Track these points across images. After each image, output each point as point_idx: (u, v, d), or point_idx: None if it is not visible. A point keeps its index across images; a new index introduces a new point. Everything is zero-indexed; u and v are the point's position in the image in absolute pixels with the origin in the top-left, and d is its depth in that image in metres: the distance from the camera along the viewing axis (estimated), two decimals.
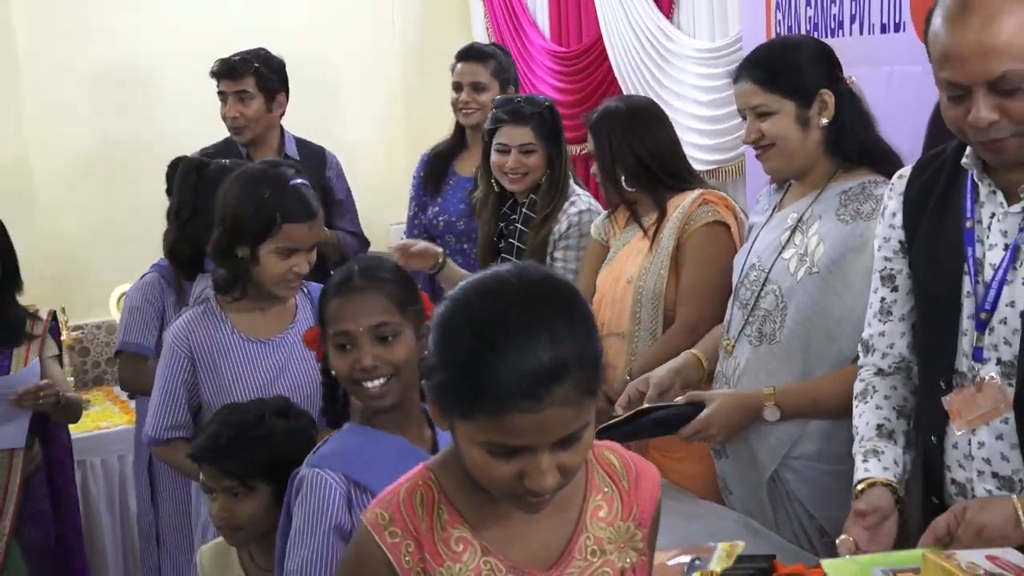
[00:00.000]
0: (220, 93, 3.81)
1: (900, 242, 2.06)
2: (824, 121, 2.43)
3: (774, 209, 2.55)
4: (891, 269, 2.07)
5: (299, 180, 2.53)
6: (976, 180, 1.91)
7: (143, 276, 3.26)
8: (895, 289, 2.07)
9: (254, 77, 3.78)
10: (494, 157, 3.33)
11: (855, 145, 2.47)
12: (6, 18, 4.68)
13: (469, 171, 3.82)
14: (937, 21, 1.79)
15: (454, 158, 3.94)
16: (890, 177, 2.19)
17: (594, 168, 3.04)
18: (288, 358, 2.58)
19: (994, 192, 1.89)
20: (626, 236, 3.02)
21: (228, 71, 3.78)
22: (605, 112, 3.02)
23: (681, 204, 2.87)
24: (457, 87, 3.89)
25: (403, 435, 1.97)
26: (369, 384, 1.95)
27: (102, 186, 4.92)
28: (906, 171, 2.09)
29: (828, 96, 2.43)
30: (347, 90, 5.46)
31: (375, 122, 5.54)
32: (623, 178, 2.92)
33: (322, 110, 5.15)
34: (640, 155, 2.91)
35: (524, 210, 3.35)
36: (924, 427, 2.02)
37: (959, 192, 1.95)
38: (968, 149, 1.92)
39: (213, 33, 4.92)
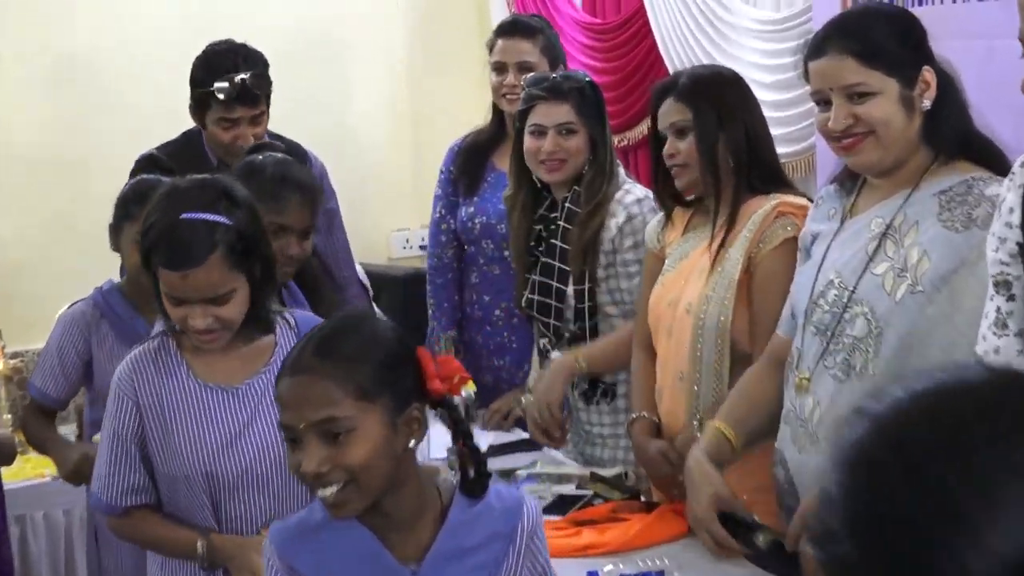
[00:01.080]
0: (224, 122, 3.66)
1: (1019, 244, 2.04)
2: (927, 104, 2.39)
3: (844, 214, 2.52)
4: (1008, 275, 2.06)
5: (201, 216, 2.31)
6: None
7: (72, 304, 3.19)
8: (1012, 298, 2.06)
9: (260, 90, 3.67)
10: (528, 142, 3.29)
11: (954, 134, 2.44)
12: None
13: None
14: None
15: (492, 150, 3.90)
16: (995, 172, 2.22)
17: (671, 147, 2.89)
18: (256, 410, 2.43)
19: None
20: (684, 247, 2.93)
21: (246, 97, 3.63)
22: (702, 75, 2.97)
23: (753, 215, 2.78)
24: (499, 68, 3.82)
25: (384, 539, 1.86)
26: (320, 493, 1.80)
27: (51, 187, 4.94)
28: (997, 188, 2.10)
29: (931, 74, 2.40)
30: (339, 73, 5.51)
31: (373, 111, 5.61)
32: (731, 159, 2.81)
33: (309, 96, 5.15)
34: (749, 132, 2.83)
35: (568, 204, 3.30)
36: None
37: None
38: None
39: (190, 19, 5.02)
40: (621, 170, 3.38)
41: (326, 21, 5.45)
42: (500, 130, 3.88)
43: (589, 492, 2.98)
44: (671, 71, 4.47)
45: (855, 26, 2.45)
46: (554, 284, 3.25)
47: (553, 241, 3.31)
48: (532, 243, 3.37)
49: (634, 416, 3.02)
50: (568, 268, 3.21)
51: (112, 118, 4.99)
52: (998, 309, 2.09)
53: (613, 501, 2.91)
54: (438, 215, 3.94)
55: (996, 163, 2.41)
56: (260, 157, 2.98)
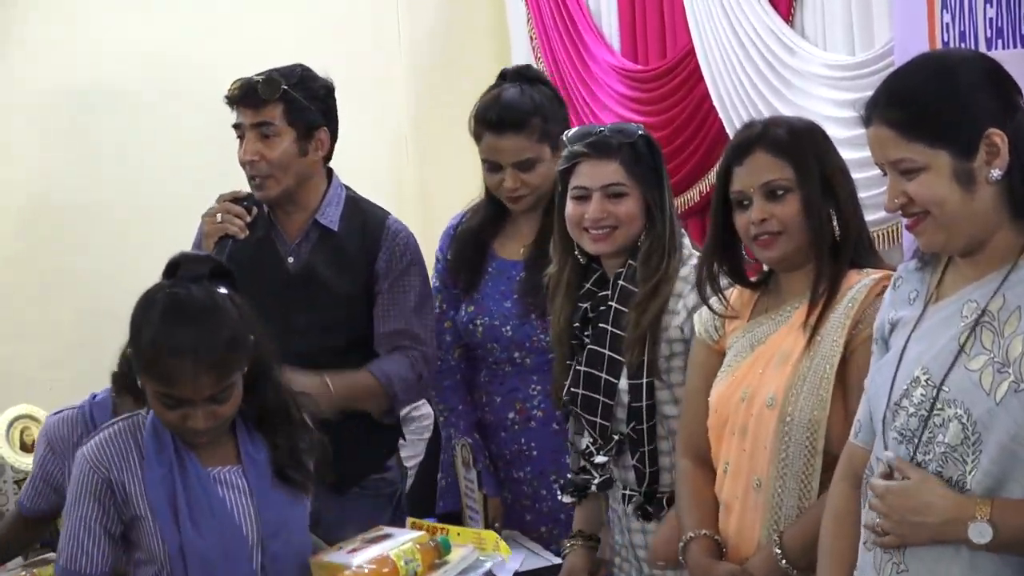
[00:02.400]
0: (236, 125, 3.72)
1: None
2: (996, 174, 2.36)
3: (928, 297, 2.49)
4: None
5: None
6: None
7: (58, 412, 3.35)
8: None
9: (283, 104, 3.67)
10: (570, 208, 3.26)
11: None
12: None
13: (515, 252, 3.80)
14: None
15: (492, 235, 3.88)
16: None
17: (760, 211, 2.86)
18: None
19: None
20: (757, 332, 2.91)
21: (246, 95, 3.67)
22: (805, 130, 2.96)
23: (851, 289, 2.77)
24: (492, 167, 3.79)
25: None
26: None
27: (28, 255, 5.15)
28: None
29: (999, 137, 2.35)
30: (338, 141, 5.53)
31: (374, 172, 5.61)
32: (836, 224, 2.81)
33: None
34: (850, 200, 2.85)
35: (621, 282, 3.27)
36: None
37: None
38: None
39: (191, 57, 5.20)
40: (687, 240, 3.34)
41: (316, 66, 5.55)
42: (499, 209, 3.86)
43: None
44: (726, 125, 4.54)
45: (897, 88, 2.44)
46: (603, 376, 3.20)
47: (603, 325, 3.26)
48: (577, 324, 3.32)
49: (691, 535, 2.95)
50: (620, 358, 3.17)
51: (114, 170, 5.22)
52: None
53: None
54: (439, 309, 3.91)
55: None
56: (162, 294, 2.90)
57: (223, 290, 2.88)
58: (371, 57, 5.79)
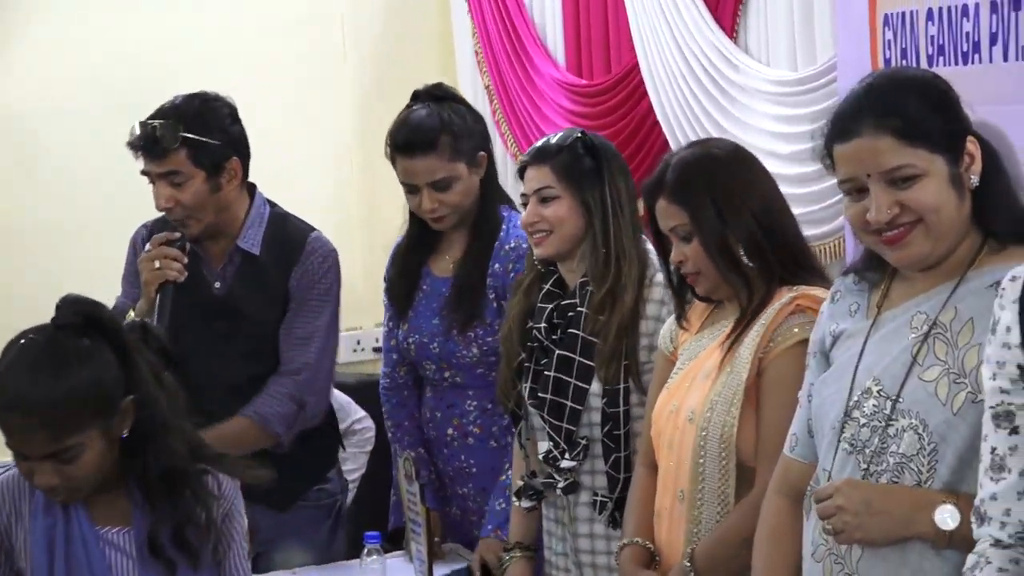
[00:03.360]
0: (144, 173, 3.68)
1: (1020, 367, 2.06)
2: (975, 180, 2.40)
3: (874, 309, 2.50)
4: (1008, 405, 2.08)
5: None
6: None
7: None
8: (1015, 431, 2.07)
9: (186, 150, 3.63)
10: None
11: (1007, 214, 2.45)
12: None
13: (446, 269, 3.78)
14: None
15: (427, 254, 3.85)
16: None
17: (678, 254, 2.91)
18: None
19: None
20: (695, 346, 2.94)
21: (148, 146, 3.62)
22: (690, 164, 2.95)
23: (767, 309, 2.79)
24: (410, 189, 3.75)
25: None
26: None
27: None
28: (1021, 270, 2.11)
29: (974, 145, 2.41)
30: (279, 147, 5.49)
31: (319, 195, 5.60)
32: (743, 254, 2.82)
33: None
34: (761, 216, 2.85)
35: (589, 288, 3.28)
36: None
37: None
38: None
39: (121, 80, 5.17)
40: (651, 244, 3.31)
41: (268, 99, 5.51)
42: (427, 227, 3.81)
43: None
44: (670, 140, 4.55)
45: (889, 98, 2.44)
46: (573, 382, 3.20)
47: (573, 330, 3.27)
48: (544, 325, 3.32)
49: (625, 542, 2.99)
50: (591, 363, 3.17)
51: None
52: (993, 450, 2.11)
53: None
54: (387, 328, 3.93)
55: None
56: (17, 342, 2.72)
57: (88, 341, 2.63)
58: (316, 69, 5.78)
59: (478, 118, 3.88)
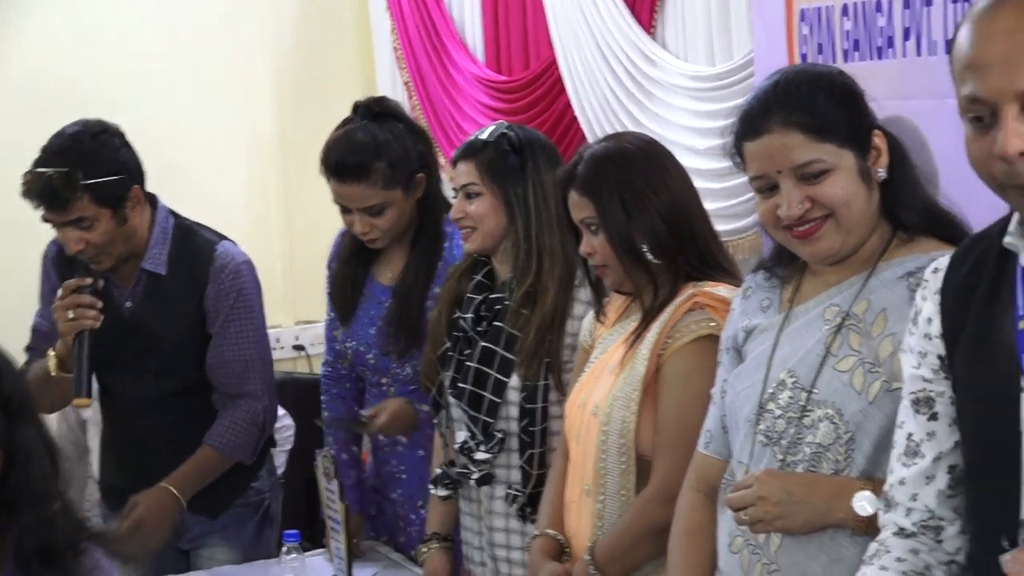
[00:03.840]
0: (45, 220, 3.61)
1: (940, 357, 2.08)
2: (882, 173, 2.44)
3: (787, 304, 2.53)
4: (929, 392, 2.09)
5: None
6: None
7: None
8: (934, 417, 2.10)
9: (88, 195, 3.55)
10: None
11: (913, 206, 2.49)
12: None
13: (388, 277, 3.73)
14: (963, 27, 1.89)
15: (372, 258, 3.78)
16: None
17: (587, 245, 2.93)
18: None
19: None
20: (607, 341, 2.95)
21: (48, 202, 3.55)
22: (602, 158, 2.95)
23: (669, 306, 2.81)
24: (343, 209, 3.69)
25: None
26: None
27: None
28: (943, 262, 2.12)
29: (881, 139, 2.45)
30: (197, 145, 5.51)
31: (238, 188, 5.56)
32: (647, 250, 2.83)
33: (164, 176, 5.15)
34: (668, 212, 2.85)
35: (514, 285, 3.28)
36: None
37: (1010, 282, 1.96)
38: (1012, 223, 1.96)
39: (59, 73, 5.17)
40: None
41: (187, 97, 5.51)
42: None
43: None
44: (588, 135, 4.56)
45: (797, 95, 2.46)
46: (493, 374, 3.20)
47: (499, 323, 3.27)
48: (471, 316, 3.32)
49: (536, 533, 3.01)
50: (513, 357, 3.17)
51: None
52: (909, 436, 2.12)
53: None
54: (330, 318, 3.90)
55: (962, 238, 2.46)
56: None
57: None
58: (235, 67, 5.76)
59: (419, 137, 3.78)
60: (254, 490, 3.80)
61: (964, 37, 1.88)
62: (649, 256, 2.81)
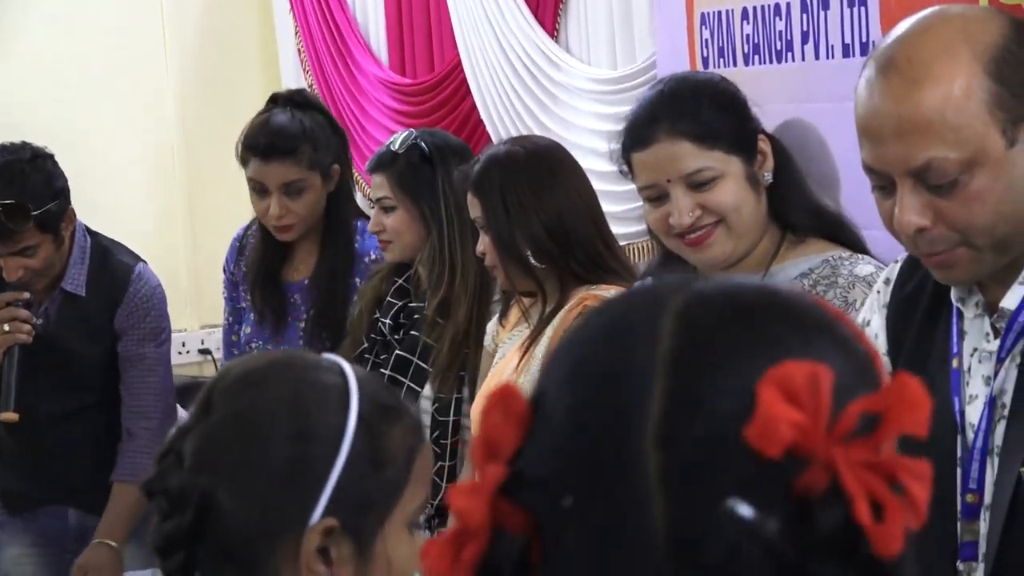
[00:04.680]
0: None
1: (890, 374, 2.05)
2: (768, 176, 2.48)
3: None
4: None
5: None
6: (957, 304, 1.92)
7: None
8: None
9: (34, 225, 3.57)
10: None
11: (803, 207, 2.52)
12: None
13: (297, 274, 3.73)
14: (860, 81, 1.86)
15: (282, 263, 3.77)
16: (852, 248, 2.32)
17: (481, 244, 2.95)
18: None
19: (981, 315, 1.90)
20: (507, 345, 2.97)
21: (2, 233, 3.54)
22: (493, 160, 2.96)
23: (560, 311, 2.81)
24: (260, 192, 3.65)
25: None
26: None
27: None
28: (893, 272, 2.10)
29: (765, 143, 2.50)
30: (101, 147, 5.44)
31: (140, 186, 5.53)
32: (530, 254, 2.83)
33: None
34: (551, 221, 2.85)
35: (422, 294, 3.31)
36: None
37: (943, 318, 1.95)
38: None
39: None
40: None
41: (91, 99, 5.45)
42: (271, 240, 3.75)
43: None
44: (493, 137, 4.55)
45: (682, 104, 2.50)
46: (407, 383, 3.18)
47: (414, 333, 3.26)
48: (390, 324, 3.31)
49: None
50: (427, 367, 3.17)
51: None
52: None
53: None
54: (227, 323, 3.88)
55: (851, 238, 2.49)
56: None
57: None
58: (137, 69, 5.70)
59: (337, 130, 3.84)
60: None
61: (860, 96, 1.86)
62: (532, 260, 2.82)
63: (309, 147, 3.63)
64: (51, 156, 3.72)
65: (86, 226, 3.81)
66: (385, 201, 3.27)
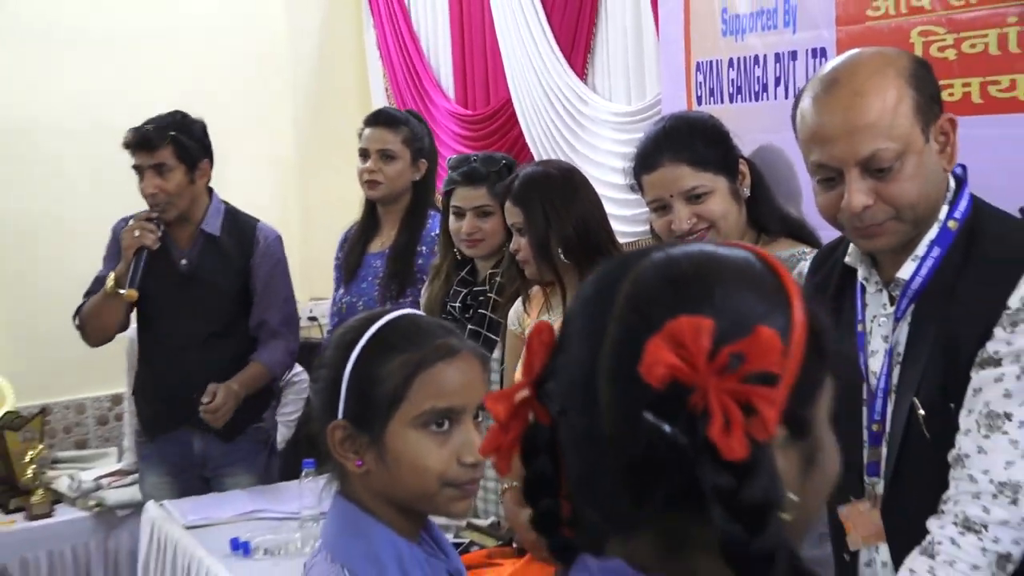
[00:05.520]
0: (135, 167, 3.67)
1: None
2: (747, 192, 2.49)
3: None
4: None
5: None
6: (862, 281, 1.95)
7: None
8: None
9: (172, 146, 3.64)
10: (451, 221, 3.30)
11: (773, 214, 2.54)
12: None
13: (379, 247, 3.78)
14: (805, 102, 1.86)
15: (368, 240, 3.83)
16: (811, 245, 2.29)
17: (515, 243, 2.92)
18: None
19: (879, 290, 1.93)
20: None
21: (142, 142, 3.63)
22: (532, 177, 2.94)
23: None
24: (363, 154, 3.76)
25: None
26: None
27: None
28: (804, 266, 2.13)
29: (745, 166, 2.51)
30: (234, 161, 5.42)
31: (266, 198, 5.56)
32: (561, 252, 2.81)
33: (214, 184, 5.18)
34: (578, 225, 2.83)
35: (498, 279, 3.26)
36: (836, 545, 2.02)
37: (850, 291, 1.97)
38: (851, 246, 1.96)
39: (96, 96, 5.14)
40: None
41: (229, 121, 5.44)
42: (372, 219, 3.85)
43: (466, 539, 2.97)
44: (535, 156, 4.55)
45: (681, 137, 2.50)
46: None
47: (482, 311, 3.24)
48: (457, 305, 3.29)
49: (505, 486, 2.95)
50: (495, 337, 3.14)
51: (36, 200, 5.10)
52: None
53: (488, 548, 2.89)
54: (335, 294, 3.92)
55: (810, 237, 2.49)
56: None
57: None
58: (262, 97, 5.70)
59: (430, 136, 3.93)
60: (262, 429, 3.81)
61: (807, 112, 1.86)
62: (561, 256, 2.79)
63: (407, 129, 3.75)
64: (204, 126, 3.79)
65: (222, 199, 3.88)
66: (486, 208, 3.21)
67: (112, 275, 3.60)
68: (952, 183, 1.89)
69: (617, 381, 0.96)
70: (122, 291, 3.57)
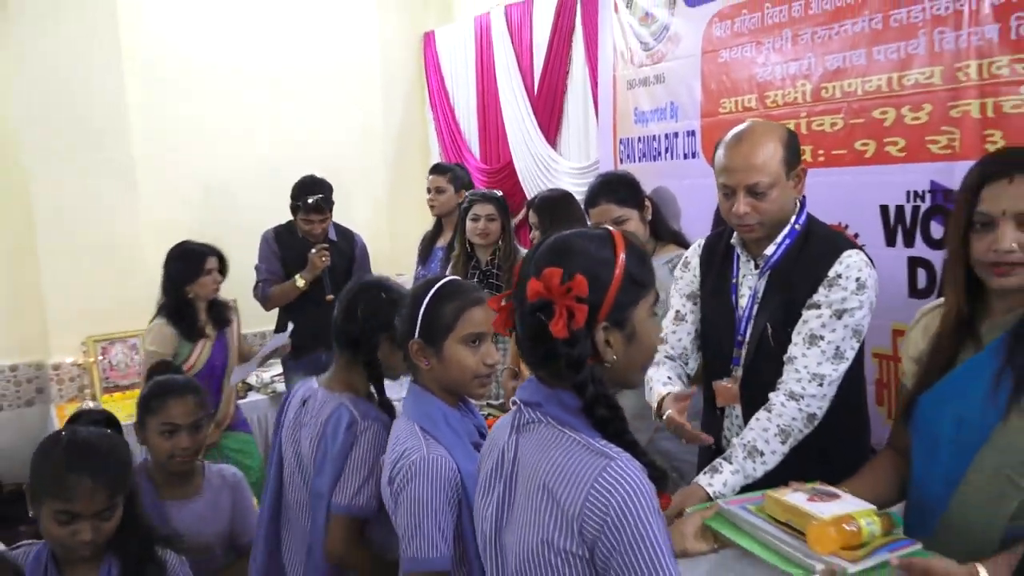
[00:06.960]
0: (305, 220, 3.65)
1: (695, 280, 2.07)
2: (649, 217, 2.53)
3: None
4: (693, 291, 2.05)
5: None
6: (739, 254, 1.95)
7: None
8: (695, 303, 2.03)
9: (327, 209, 3.70)
10: (468, 225, 3.26)
11: (666, 230, 2.57)
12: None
13: (443, 243, 3.83)
14: (720, 148, 1.86)
15: (436, 238, 3.90)
16: (686, 248, 2.23)
17: (533, 236, 2.90)
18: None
19: (748, 261, 1.93)
20: None
21: (317, 208, 3.63)
22: (549, 197, 2.92)
23: None
24: (428, 190, 3.91)
25: None
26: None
27: None
28: (701, 242, 2.09)
29: (648, 201, 2.57)
30: (347, 190, 5.04)
31: (368, 215, 5.35)
32: None
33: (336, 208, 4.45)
34: (572, 225, 2.80)
35: (498, 261, 3.21)
36: (711, 404, 2.00)
37: (730, 260, 1.96)
38: (736, 233, 1.94)
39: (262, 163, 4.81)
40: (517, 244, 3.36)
41: (337, 167, 4.79)
42: (437, 227, 3.96)
43: (485, 412, 2.73)
44: (526, 195, 4.42)
45: (611, 186, 2.51)
46: None
47: (493, 281, 3.19)
48: (476, 281, 3.14)
49: (502, 368, 2.88)
50: None
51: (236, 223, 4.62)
52: (678, 312, 2.00)
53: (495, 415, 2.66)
54: (416, 271, 3.94)
55: (686, 244, 2.50)
56: (64, 433, 1.71)
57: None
58: (366, 161, 5.35)
59: (468, 176, 3.99)
60: None
61: (721, 153, 1.84)
62: None
63: (451, 173, 3.84)
64: (332, 188, 3.76)
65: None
66: (491, 216, 3.19)
67: (300, 278, 3.61)
68: (798, 205, 1.87)
69: (524, 300, 1.21)
70: (300, 284, 3.60)
